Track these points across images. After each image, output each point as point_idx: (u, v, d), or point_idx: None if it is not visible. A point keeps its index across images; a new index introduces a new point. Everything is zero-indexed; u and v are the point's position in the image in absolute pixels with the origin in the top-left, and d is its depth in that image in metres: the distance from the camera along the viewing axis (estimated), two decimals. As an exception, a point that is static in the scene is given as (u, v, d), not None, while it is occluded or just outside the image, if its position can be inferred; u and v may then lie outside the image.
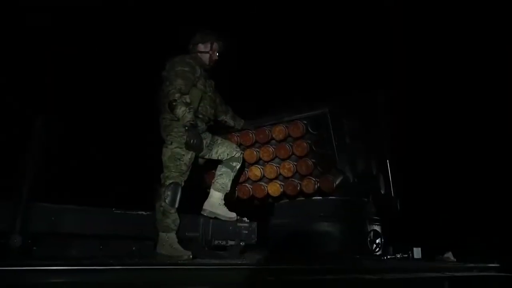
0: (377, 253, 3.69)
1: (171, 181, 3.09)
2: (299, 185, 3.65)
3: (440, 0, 5.98)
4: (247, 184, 3.93)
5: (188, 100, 3.13)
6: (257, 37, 5.92)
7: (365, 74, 5.83)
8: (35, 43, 4.70)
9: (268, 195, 3.80)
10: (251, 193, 3.89)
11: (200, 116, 3.32)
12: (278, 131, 3.71)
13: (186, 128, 3.05)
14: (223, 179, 3.52)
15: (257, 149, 3.83)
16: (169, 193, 3.04)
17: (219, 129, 3.77)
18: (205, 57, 3.52)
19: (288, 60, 6.19)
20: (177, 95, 3.06)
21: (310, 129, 3.64)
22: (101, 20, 5.22)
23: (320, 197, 3.68)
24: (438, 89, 6.01)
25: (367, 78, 5.74)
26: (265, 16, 6.11)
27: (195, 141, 3.03)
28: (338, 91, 5.04)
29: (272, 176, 3.76)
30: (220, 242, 3.33)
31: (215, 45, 3.56)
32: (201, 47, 3.52)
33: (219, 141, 3.54)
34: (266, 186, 3.80)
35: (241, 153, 3.64)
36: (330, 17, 6.29)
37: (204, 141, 3.30)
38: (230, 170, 3.53)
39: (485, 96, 5.68)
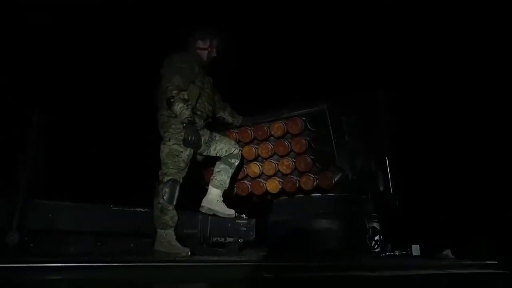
0: (376, 250, 3.67)
1: (169, 178, 3.09)
2: (297, 182, 3.63)
3: (440, 0, 5.98)
4: (245, 181, 3.92)
5: (186, 97, 3.13)
6: (257, 36, 5.92)
7: (365, 74, 5.82)
8: (35, 43, 4.71)
9: (266, 192, 3.79)
10: (249, 190, 3.88)
11: (198, 112, 3.32)
12: (277, 128, 3.70)
13: (184, 124, 3.04)
14: (221, 176, 3.52)
15: (255, 146, 3.82)
16: (167, 190, 3.05)
17: (218, 126, 3.77)
18: (204, 54, 3.53)
19: (288, 60, 6.18)
20: (175, 91, 3.07)
21: (309, 126, 3.62)
22: (101, 20, 5.22)
23: (319, 194, 3.66)
24: (438, 89, 6.00)
25: (367, 78, 5.73)
26: (265, 15, 6.11)
27: (193, 138, 3.02)
28: (338, 90, 5.03)
29: (271, 173, 3.74)
30: (218, 239, 3.32)
31: (214, 42, 3.56)
32: (200, 43, 3.53)
33: (217, 138, 3.54)
34: (265, 183, 3.79)
35: (239, 149, 3.65)
36: (330, 17, 6.29)
37: (202, 138, 3.29)
38: (228, 167, 3.54)
39: (485, 95, 5.68)
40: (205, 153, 3.51)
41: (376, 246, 3.68)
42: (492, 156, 5.47)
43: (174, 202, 3.06)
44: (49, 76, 4.83)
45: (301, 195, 3.74)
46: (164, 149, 3.17)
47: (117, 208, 3.05)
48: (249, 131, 3.83)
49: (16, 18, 4.66)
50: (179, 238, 3.01)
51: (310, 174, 3.60)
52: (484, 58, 5.70)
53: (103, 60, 5.19)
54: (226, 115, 3.78)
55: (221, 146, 3.53)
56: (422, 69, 6.06)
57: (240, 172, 3.87)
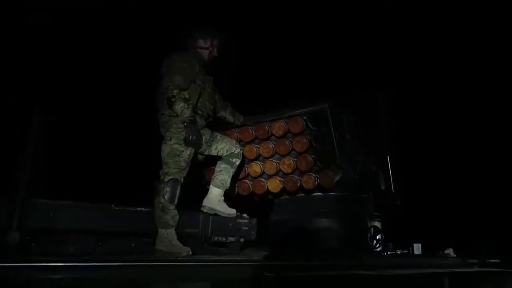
0: (377, 249, 3.67)
1: (170, 177, 3.08)
2: (299, 181, 3.63)
3: (440, 0, 5.98)
4: (246, 180, 3.92)
5: (187, 96, 3.12)
6: (257, 36, 5.92)
7: (365, 74, 5.82)
8: (35, 43, 4.71)
9: (268, 191, 3.79)
10: (251, 189, 3.87)
11: (199, 112, 3.31)
12: (278, 127, 3.70)
13: (185, 124, 3.03)
14: (222, 175, 3.52)
15: (256, 145, 3.82)
16: (168, 189, 3.04)
17: (219, 125, 3.76)
18: (205, 53, 3.53)
19: (289, 59, 6.18)
20: (175, 91, 3.06)
21: (310, 125, 3.62)
22: (101, 20, 5.22)
23: (320, 193, 3.66)
24: (438, 89, 6.00)
25: (367, 78, 5.73)
26: (265, 15, 6.11)
27: (194, 137, 3.01)
28: (338, 90, 5.03)
29: (272, 172, 3.74)
30: (219, 238, 3.32)
31: (215, 42, 3.56)
32: (201, 42, 3.53)
33: (218, 137, 3.54)
34: (266, 182, 3.79)
35: (240, 149, 3.65)
36: (331, 17, 6.29)
37: (203, 137, 3.29)
38: (229, 166, 3.53)
39: (485, 95, 5.68)
40: (206, 153, 3.50)
41: (378, 245, 3.68)
42: (493, 155, 5.47)
43: (175, 202, 3.05)
44: (49, 76, 4.82)
45: (302, 194, 3.74)
46: (165, 148, 3.17)
47: (118, 208, 3.04)
48: (250, 131, 3.83)
49: (16, 18, 4.65)
50: (180, 238, 3.01)
51: (311, 173, 3.60)
52: (484, 58, 5.70)
53: (103, 60, 5.18)
54: (227, 114, 3.78)
55: (222, 146, 3.52)
56: (422, 69, 6.06)
57: (241, 172, 3.87)
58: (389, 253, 3.78)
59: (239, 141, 3.82)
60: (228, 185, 3.53)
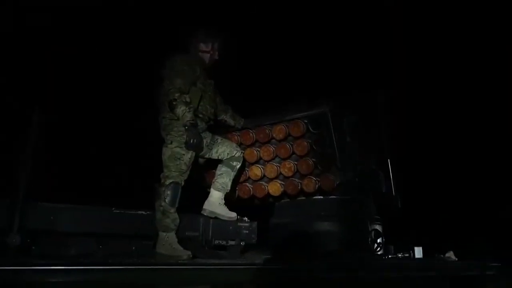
0: (378, 253, 3.67)
1: (171, 181, 3.07)
2: (299, 185, 3.63)
3: (440, 0, 5.98)
4: (247, 184, 3.91)
5: (188, 99, 3.11)
6: (257, 37, 5.92)
7: (365, 74, 5.82)
8: (35, 43, 4.70)
9: (268, 194, 3.78)
10: (251, 192, 3.87)
11: (200, 115, 3.30)
12: (279, 131, 3.69)
13: (186, 127, 3.03)
14: (223, 178, 3.51)
15: (257, 149, 3.81)
16: (169, 192, 3.03)
17: (219, 128, 3.75)
18: (206, 57, 3.51)
19: (288, 60, 6.18)
20: (177, 94, 3.05)
21: (310, 128, 3.61)
22: (101, 20, 5.21)
23: (321, 197, 3.66)
24: (438, 89, 6.01)
25: (367, 78, 5.73)
26: (265, 16, 6.10)
27: (195, 140, 3.01)
28: (338, 91, 5.03)
29: (273, 175, 3.74)
30: (220, 241, 3.31)
31: (216, 45, 3.54)
32: (202, 46, 3.50)
33: (219, 141, 3.53)
34: (267, 186, 3.78)
35: (241, 152, 3.64)
36: (331, 17, 6.28)
37: (204, 141, 3.29)
38: (230, 170, 3.53)
39: (485, 95, 5.68)
40: (207, 156, 3.49)
41: (379, 248, 3.68)
42: (493, 156, 5.47)
43: (176, 205, 3.04)
44: (49, 76, 4.81)
45: (303, 198, 3.73)
46: (166, 151, 3.15)
47: (118, 211, 3.04)
48: (250, 134, 3.82)
49: (16, 18, 4.64)
50: (180, 241, 3.00)
51: (312, 177, 3.60)
52: (484, 58, 5.71)
53: (103, 61, 5.17)
54: (227, 118, 3.77)
55: (223, 149, 3.51)
56: (422, 69, 6.07)
57: (242, 175, 3.87)
58: (390, 256, 3.77)
59: (239, 144, 3.82)
60: (229, 188, 3.53)
